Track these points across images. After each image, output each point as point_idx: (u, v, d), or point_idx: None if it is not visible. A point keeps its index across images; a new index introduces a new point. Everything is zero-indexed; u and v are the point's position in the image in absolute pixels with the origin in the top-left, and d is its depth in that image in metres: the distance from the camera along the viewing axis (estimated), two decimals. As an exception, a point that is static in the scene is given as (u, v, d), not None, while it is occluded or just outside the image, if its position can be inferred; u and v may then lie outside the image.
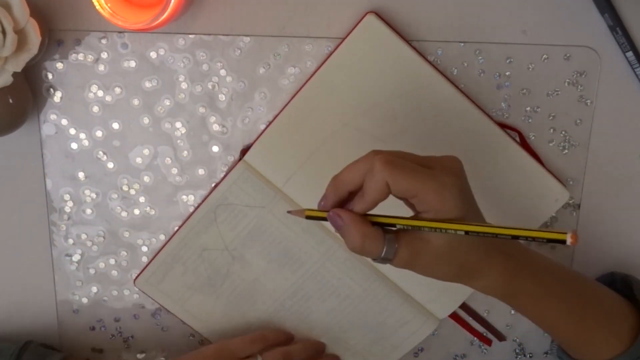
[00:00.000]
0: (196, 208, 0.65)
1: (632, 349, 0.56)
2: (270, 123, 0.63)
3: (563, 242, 0.42)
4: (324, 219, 0.49)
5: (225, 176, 0.64)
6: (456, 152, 0.62)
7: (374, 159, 0.47)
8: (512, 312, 0.68)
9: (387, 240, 0.48)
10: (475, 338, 0.69)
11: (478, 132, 0.62)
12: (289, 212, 0.53)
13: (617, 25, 0.60)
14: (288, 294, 0.66)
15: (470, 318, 0.68)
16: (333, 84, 0.61)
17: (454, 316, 0.68)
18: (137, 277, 0.67)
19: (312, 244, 0.65)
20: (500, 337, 0.69)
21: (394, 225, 0.48)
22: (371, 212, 0.49)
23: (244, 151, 0.64)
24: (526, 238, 0.44)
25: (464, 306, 0.68)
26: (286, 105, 0.62)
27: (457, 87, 0.62)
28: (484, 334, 0.69)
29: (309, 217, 0.50)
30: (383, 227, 0.48)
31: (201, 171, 0.65)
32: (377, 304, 0.66)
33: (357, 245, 0.48)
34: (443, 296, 0.66)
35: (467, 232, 0.46)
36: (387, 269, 0.65)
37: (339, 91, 0.61)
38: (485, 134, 0.62)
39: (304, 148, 0.62)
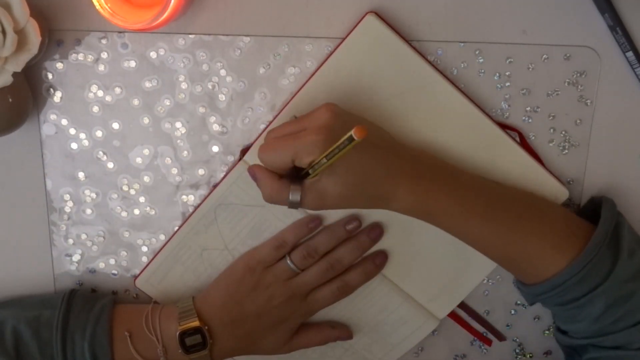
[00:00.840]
0: (196, 208, 0.65)
1: (573, 265, 0.55)
2: (270, 123, 0.63)
3: (352, 139, 0.47)
4: None
5: (225, 176, 0.64)
6: (456, 152, 0.62)
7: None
8: (512, 312, 0.68)
9: (292, 189, 0.55)
10: (475, 338, 0.69)
11: (478, 132, 0.62)
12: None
13: (617, 25, 0.60)
14: (288, 294, 0.66)
15: (470, 318, 0.68)
16: (333, 84, 0.61)
17: (454, 316, 0.68)
18: (137, 277, 0.67)
19: (312, 243, 0.65)
20: (500, 337, 0.69)
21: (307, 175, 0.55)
22: None
23: (244, 151, 0.64)
24: (333, 153, 0.50)
25: (463, 306, 0.68)
26: (286, 105, 0.62)
27: (457, 87, 0.62)
28: (484, 334, 0.69)
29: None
30: (300, 179, 0.56)
31: (201, 171, 0.65)
32: (377, 304, 0.66)
33: (266, 195, 0.57)
34: (442, 295, 0.66)
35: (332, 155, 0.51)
36: (386, 268, 0.65)
37: (338, 91, 0.61)
38: (485, 134, 0.62)
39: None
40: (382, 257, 0.64)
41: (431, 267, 0.65)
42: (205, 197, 0.65)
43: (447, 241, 0.64)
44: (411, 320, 0.67)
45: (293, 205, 0.56)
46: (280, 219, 0.64)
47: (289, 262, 0.62)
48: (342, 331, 0.66)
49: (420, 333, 0.67)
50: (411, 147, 0.60)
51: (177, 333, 0.61)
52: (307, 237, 0.64)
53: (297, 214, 0.64)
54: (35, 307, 0.62)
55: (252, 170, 0.58)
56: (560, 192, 0.63)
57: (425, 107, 0.61)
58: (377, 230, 0.64)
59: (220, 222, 0.65)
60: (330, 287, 0.63)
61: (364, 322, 0.67)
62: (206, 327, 0.61)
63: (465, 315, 0.68)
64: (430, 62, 0.61)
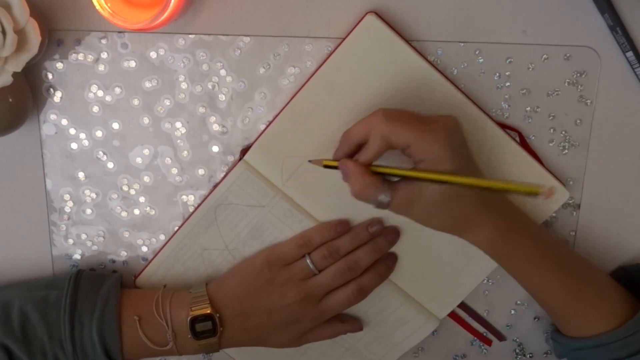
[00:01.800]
0: (196, 208, 0.65)
1: (624, 327, 0.57)
2: (270, 123, 0.63)
3: (536, 194, 0.47)
4: (337, 167, 0.57)
5: (225, 176, 0.64)
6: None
7: (375, 114, 0.54)
8: (512, 312, 0.68)
9: (383, 188, 0.55)
10: (475, 338, 0.69)
11: (478, 132, 0.62)
12: (309, 161, 0.61)
13: (617, 25, 0.60)
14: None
15: (470, 318, 0.68)
16: (333, 84, 0.61)
17: (454, 316, 0.68)
18: (137, 277, 0.67)
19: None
20: (500, 337, 0.69)
21: (396, 176, 0.55)
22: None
23: (244, 151, 0.64)
24: (504, 190, 0.49)
25: (464, 306, 0.68)
26: (286, 105, 0.62)
27: (457, 87, 0.62)
28: (484, 334, 0.69)
29: (326, 166, 0.58)
30: (385, 177, 0.55)
31: (201, 171, 0.65)
32: (378, 303, 0.66)
33: (356, 191, 0.55)
34: (442, 295, 0.66)
35: (452, 183, 0.52)
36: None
37: (339, 91, 0.61)
38: (485, 134, 0.62)
39: (304, 148, 0.62)
40: (392, 259, 0.65)
41: (431, 267, 0.65)
42: (205, 197, 0.65)
43: (447, 242, 0.64)
44: (412, 320, 0.67)
45: (381, 205, 0.55)
46: (281, 219, 0.64)
47: (308, 261, 0.62)
48: (353, 324, 0.66)
49: (420, 333, 0.67)
50: None
51: (188, 318, 0.60)
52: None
53: (296, 217, 0.64)
54: (42, 287, 0.62)
55: (345, 165, 0.56)
56: (560, 193, 0.63)
57: (425, 107, 0.61)
58: (394, 233, 0.64)
59: (220, 222, 0.65)
60: (344, 291, 0.63)
61: (365, 322, 0.67)
62: (217, 315, 0.61)
63: (465, 315, 0.68)
64: (430, 62, 0.61)
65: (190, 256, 0.66)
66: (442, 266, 0.65)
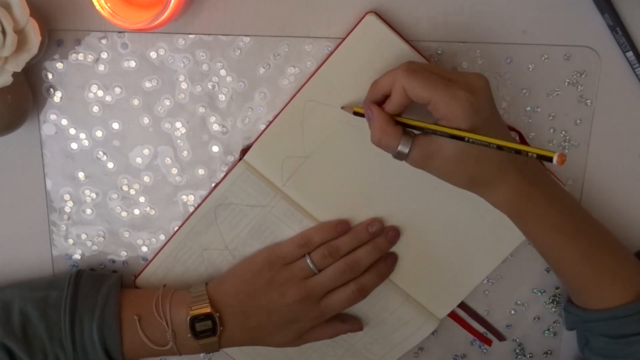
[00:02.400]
0: (196, 208, 0.65)
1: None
2: (270, 123, 0.63)
3: (550, 159, 0.47)
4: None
5: (225, 176, 0.64)
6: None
7: (400, 67, 0.54)
8: (512, 312, 0.68)
9: (403, 140, 0.55)
10: (475, 338, 0.69)
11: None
12: (342, 107, 0.61)
13: (617, 25, 0.60)
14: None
15: (470, 318, 0.68)
16: (333, 83, 0.61)
17: (454, 316, 0.68)
18: (137, 277, 0.67)
19: (312, 243, 0.65)
20: (500, 337, 0.69)
21: (418, 130, 0.55)
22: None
23: (244, 151, 0.64)
24: (515, 151, 0.50)
25: (464, 306, 0.68)
26: (286, 105, 0.62)
27: (457, 87, 0.62)
28: (484, 334, 0.69)
29: (355, 113, 0.59)
30: (406, 128, 0.56)
31: (201, 171, 0.65)
32: (378, 304, 0.66)
33: (375, 139, 0.56)
34: (442, 295, 0.66)
35: (468, 140, 0.52)
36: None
37: (339, 91, 0.61)
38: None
39: (304, 148, 0.62)
40: (392, 259, 0.65)
41: (431, 267, 0.65)
42: (205, 197, 0.65)
43: (447, 242, 0.64)
44: (412, 320, 0.67)
45: (399, 155, 0.55)
46: (281, 219, 0.64)
47: (308, 261, 0.62)
48: (353, 324, 0.66)
49: (420, 333, 0.67)
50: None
51: (188, 318, 0.60)
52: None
53: (296, 217, 0.64)
54: (42, 287, 0.62)
55: (370, 109, 0.56)
56: (560, 192, 0.63)
57: (425, 106, 0.61)
58: (394, 232, 0.64)
59: (220, 222, 0.65)
60: (345, 290, 0.63)
61: (365, 322, 0.67)
62: (217, 314, 0.61)
63: (465, 315, 0.68)
64: (430, 62, 0.61)
65: (190, 256, 0.66)
66: (442, 266, 0.65)
